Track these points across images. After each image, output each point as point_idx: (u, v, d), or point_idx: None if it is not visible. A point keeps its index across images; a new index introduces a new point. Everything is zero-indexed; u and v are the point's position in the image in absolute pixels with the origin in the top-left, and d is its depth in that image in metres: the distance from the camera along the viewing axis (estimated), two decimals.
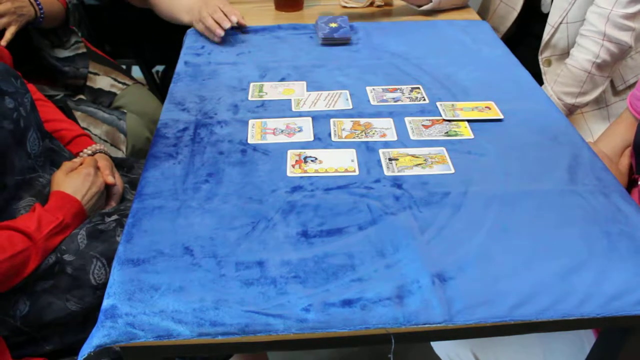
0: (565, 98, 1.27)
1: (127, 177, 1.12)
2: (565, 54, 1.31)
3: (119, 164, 1.12)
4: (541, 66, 1.35)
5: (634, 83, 1.31)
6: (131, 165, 1.17)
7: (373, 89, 1.05)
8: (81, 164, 0.99)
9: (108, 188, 1.02)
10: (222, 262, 0.67)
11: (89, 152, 1.07)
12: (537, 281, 0.64)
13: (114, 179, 1.01)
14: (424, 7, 1.37)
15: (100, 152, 1.08)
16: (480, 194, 0.77)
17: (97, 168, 1.01)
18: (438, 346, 0.99)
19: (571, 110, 1.29)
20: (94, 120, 1.38)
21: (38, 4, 1.30)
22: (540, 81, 1.32)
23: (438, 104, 0.99)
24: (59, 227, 0.87)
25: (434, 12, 1.40)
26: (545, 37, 1.31)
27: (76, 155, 1.07)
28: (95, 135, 1.34)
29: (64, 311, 0.87)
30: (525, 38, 1.44)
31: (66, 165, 0.98)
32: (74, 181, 0.94)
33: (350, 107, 0.99)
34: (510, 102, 0.99)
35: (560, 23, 1.28)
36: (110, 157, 1.09)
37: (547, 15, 1.32)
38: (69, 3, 1.45)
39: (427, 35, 1.27)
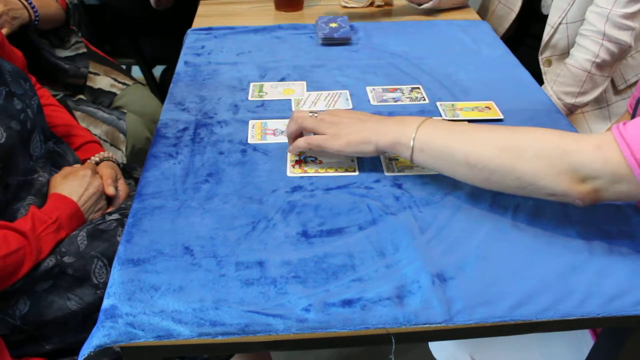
0: (565, 98, 1.27)
1: (128, 181, 1.12)
2: (565, 53, 1.31)
3: (122, 170, 1.12)
4: (541, 66, 1.35)
5: (635, 82, 1.31)
6: (133, 168, 1.18)
7: (373, 89, 1.05)
8: None
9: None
10: (222, 262, 0.67)
11: (97, 159, 1.07)
12: (537, 281, 0.64)
13: (115, 189, 1.01)
14: (425, 6, 1.37)
15: (107, 159, 1.08)
16: (481, 194, 0.77)
17: (96, 171, 1.01)
18: (436, 350, 0.99)
19: (571, 110, 1.29)
20: (94, 120, 1.38)
21: (32, 7, 1.30)
22: (540, 81, 1.32)
23: (438, 104, 0.99)
24: (52, 227, 0.87)
25: (434, 12, 1.40)
26: (545, 37, 1.31)
27: (84, 161, 1.07)
28: (95, 135, 1.34)
29: (64, 310, 0.87)
30: (525, 38, 1.44)
31: (65, 169, 0.98)
32: (70, 183, 0.94)
33: (350, 107, 0.99)
34: (510, 102, 0.99)
35: (560, 23, 1.28)
36: (118, 164, 1.09)
37: (546, 15, 1.32)
38: (69, 4, 1.45)
39: (427, 35, 1.27)
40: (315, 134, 0.80)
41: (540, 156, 0.64)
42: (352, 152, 0.78)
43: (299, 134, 0.83)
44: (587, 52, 1.21)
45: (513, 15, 1.40)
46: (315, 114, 0.82)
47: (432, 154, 0.71)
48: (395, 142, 0.74)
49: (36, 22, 1.31)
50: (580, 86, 1.24)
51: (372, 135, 0.75)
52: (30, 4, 1.29)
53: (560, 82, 1.26)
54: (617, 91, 1.32)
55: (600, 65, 1.21)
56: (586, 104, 1.29)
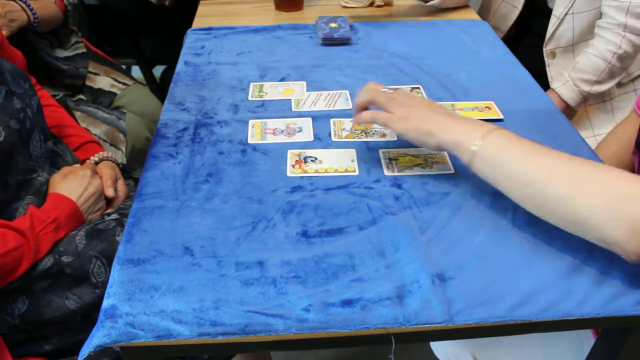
0: (581, 85, 1.26)
1: (128, 181, 1.13)
2: (570, 46, 1.31)
3: (121, 170, 1.12)
4: (545, 58, 1.35)
5: (638, 76, 1.31)
6: (133, 168, 1.18)
7: None
8: None
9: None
10: (222, 262, 0.67)
11: (96, 159, 1.07)
12: (537, 281, 0.64)
13: (114, 191, 1.01)
14: (430, 3, 1.36)
15: (107, 159, 1.08)
16: (481, 194, 0.77)
17: (95, 171, 1.01)
18: (438, 349, 0.99)
19: (585, 98, 1.28)
20: (94, 120, 1.38)
21: (31, 9, 1.29)
22: (542, 78, 1.31)
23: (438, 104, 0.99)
24: (51, 226, 0.87)
25: (434, 12, 1.40)
26: (550, 28, 1.30)
27: (83, 161, 1.07)
28: (95, 135, 1.34)
29: (63, 310, 0.87)
30: (526, 36, 1.44)
31: (64, 169, 0.98)
32: (70, 182, 0.94)
33: (350, 107, 0.99)
34: (510, 102, 0.99)
35: (566, 14, 1.27)
36: (118, 164, 1.09)
37: (549, 10, 1.32)
38: (67, 5, 1.45)
39: (427, 35, 1.27)
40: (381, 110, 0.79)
41: (601, 195, 0.59)
42: (413, 139, 0.75)
43: (366, 107, 0.82)
44: (609, 43, 1.21)
45: (516, 13, 1.39)
46: (390, 91, 0.80)
47: (491, 164, 0.68)
48: (458, 143, 0.71)
49: (35, 25, 1.31)
50: (598, 75, 1.24)
51: (438, 129, 0.73)
52: (28, 6, 1.29)
53: (578, 69, 1.26)
54: (620, 84, 1.32)
55: (622, 57, 1.21)
56: (600, 94, 1.29)
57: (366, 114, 0.80)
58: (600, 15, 1.25)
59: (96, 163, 1.06)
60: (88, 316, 0.88)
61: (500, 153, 0.68)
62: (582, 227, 0.62)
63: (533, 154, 0.66)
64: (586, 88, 1.26)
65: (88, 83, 1.50)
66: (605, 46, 1.21)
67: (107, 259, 0.89)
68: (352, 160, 0.85)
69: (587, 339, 0.85)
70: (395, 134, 0.77)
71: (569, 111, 1.32)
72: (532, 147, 0.67)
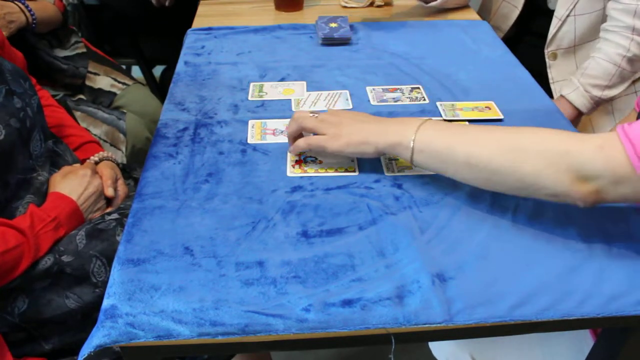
0: (592, 90, 1.25)
1: (128, 181, 1.13)
2: (571, 47, 1.31)
3: (121, 170, 1.12)
4: (547, 60, 1.35)
5: (639, 78, 1.31)
6: (133, 168, 1.18)
7: (373, 89, 1.05)
8: None
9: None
10: (222, 262, 0.67)
11: (96, 159, 1.07)
12: (537, 281, 0.64)
13: (114, 190, 1.02)
14: (432, 4, 1.36)
15: (107, 159, 1.08)
16: (481, 194, 0.77)
17: (95, 171, 1.01)
18: (436, 349, 0.99)
19: (597, 103, 1.27)
20: (94, 120, 1.38)
21: (29, 10, 1.29)
22: (542, 78, 1.31)
23: (438, 104, 0.99)
24: (51, 225, 0.87)
25: (434, 12, 1.40)
26: (552, 30, 1.30)
27: (83, 161, 1.08)
28: (95, 135, 1.34)
29: (63, 309, 0.87)
30: (526, 36, 1.44)
31: (65, 169, 0.98)
32: (70, 182, 0.95)
33: (350, 107, 0.99)
34: (510, 102, 0.99)
35: (568, 15, 1.27)
36: (118, 164, 1.09)
37: (549, 11, 1.31)
38: (67, 5, 1.45)
39: (427, 35, 1.27)
40: (315, 134, 0.80)
41: (541, 156, 0.63)
42: (351, 152, 0.78)
43: (300, 134, 0.83)
44: (617, 46, 1.20)
45: (517, 12, 1.39)
46: (316, 114, 0.82)
47: (432, 155, 0.71)
48: (395, 143, 0.74)
49: (34, 26, 1.31)
50: (609, 80, 1.23)
51: (372, 136, 0.75)
52: (27, 7, 1.29)
53: (588, 74, 1.25)
54: None
55: (632, 60, 1.21)
56: (612, 98, 1.28)
57: (300, 142, 0.81)
58: (603, 18, 1.24)
59: (96, 163, 1.06)
60: (88, 316, 0.88)
61: (436, 142, 0.71)
62: (531, 190, 0.66)
63: (468, 134, 0.69)
64: (597, 93, 1.25)
65: (88, 83, 1.50)
66: (614, 50, 1.21)
67: (107, 258, 0.89)
68: (352, 160, 0.85)
69: (586, 340, 0.85)
70: (334, 153, 0.78)
71: (579, 118, 1.31)
72: (465, 129, 0.70)
